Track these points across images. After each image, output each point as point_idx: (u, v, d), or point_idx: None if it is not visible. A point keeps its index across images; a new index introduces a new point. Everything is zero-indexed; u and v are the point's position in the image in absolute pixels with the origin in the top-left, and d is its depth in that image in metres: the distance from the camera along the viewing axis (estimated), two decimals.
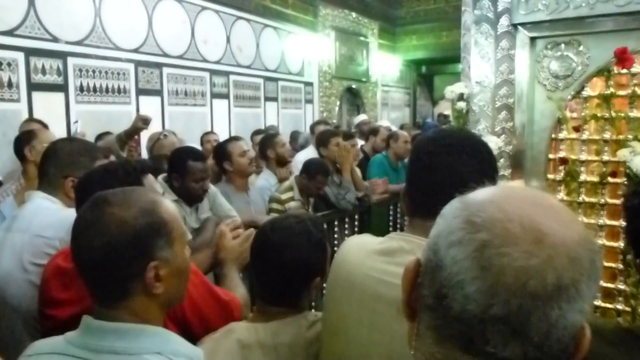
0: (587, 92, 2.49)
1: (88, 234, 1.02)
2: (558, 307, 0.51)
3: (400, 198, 1.21)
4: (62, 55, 4.51)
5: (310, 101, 8.13)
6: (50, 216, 1.78)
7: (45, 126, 3.37)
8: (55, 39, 4.44)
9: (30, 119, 3.61)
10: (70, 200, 1.82)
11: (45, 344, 1.09)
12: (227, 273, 1.77)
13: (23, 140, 2.62)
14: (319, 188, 3.71)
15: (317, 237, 1.41)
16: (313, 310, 1.56)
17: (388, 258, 1.10)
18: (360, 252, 1.18)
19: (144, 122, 3.56)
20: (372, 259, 1.13)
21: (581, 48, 2.47)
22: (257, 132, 5.33)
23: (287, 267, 1.36)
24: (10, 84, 4.11)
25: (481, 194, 0.59)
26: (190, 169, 2.72)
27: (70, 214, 1.76)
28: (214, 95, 6.23)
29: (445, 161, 1.10)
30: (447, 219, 0.59)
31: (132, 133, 3.70)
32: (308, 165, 3.70)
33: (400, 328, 1.02)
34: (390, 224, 4.79)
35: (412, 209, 1.17)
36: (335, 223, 3.96)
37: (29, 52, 4.25)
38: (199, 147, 4.97)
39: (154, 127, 5.06)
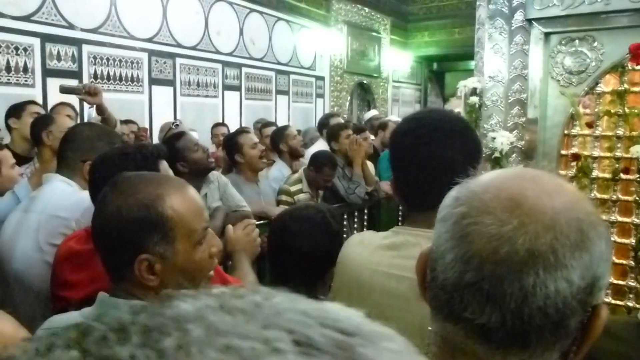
0: (601, 88, 2.49)
1: (96, 214, 1.06)
2: (535, 274, 0.51)
3: (393, 193, 1.21)
4: (77, 42, 4.54)
5: (321, 95, 8.13)
6: (67, 197, 1.81)
7: (76, 113, 3.40)
8: (71, 26, 4.48)
9: (64, 102, 3.59)
10: (87, 183, 1.85)
11: (62, 318, 1.12)
12: (237, 264, 1.79)
13: (41, 125, 2.65)
14: (327, 180, 3.71)
15: (336, 228, 1.42)
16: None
17: (394, 252, 1.11)
18: (364, 249, 1.18)
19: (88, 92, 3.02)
20: (378, 255, 1.13)
21: (595, 44, 2.47)
22: (265, 125, 5.34)
23: (306, 257, 1.36)
24: (25, 69, 4.15)
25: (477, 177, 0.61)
26: (182, 146, 2.73)
27: (87, 196, 1.79)
28: (226, 87, 6.25)
29: (426, 152, 1.08)
30: (443, 201, 0.61)
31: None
32: (315, 158, 3.71)
33: (411, 319, 1.04)
34: (400, 218, 4.79)
35: (407, 203, 1.17)
36: (345, 217, 3.98)
37: (45, 38, 4.29)
38: (209, 139, 5.04)
39: (166, 117, 5.11)
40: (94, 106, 2.82)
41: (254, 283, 1.69)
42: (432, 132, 1.09)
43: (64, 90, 2.96)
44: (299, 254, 1.37)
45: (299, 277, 1.38)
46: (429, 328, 0.60)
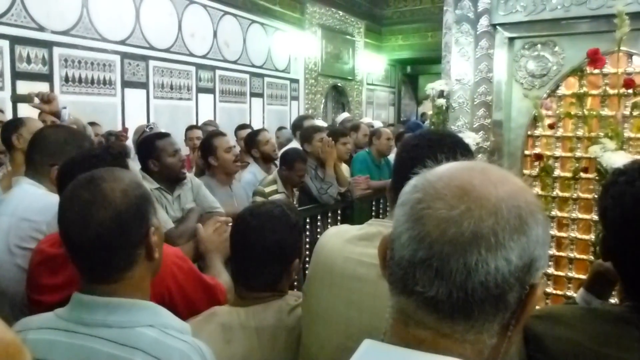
0: (562, 91, 2.58)
1: (91, 211, 1.04)
2: (478, 253, 0.58)
3: (387, 191, 1.28)
4: (48, 45, 4.51)
5: (295, 98, 8.18)
6: (37, 201, 1.81)
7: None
8: (41, 28, 4.44)
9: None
10: (56, 187, 1.85)
11: (34, 320, 1.12)
12: (210, 263, 1.83)
13: (11, 128, 2.63)
14: (301, 176, 3.75)
15: (294, 220, 1.47)
16: (295, 290, 1.61)
17: (367, 242, 1.17)
18: (339, 239, 1.25)
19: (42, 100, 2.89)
20: (352, 244, 1.20)
21: (556, 48, 2.56)
22: (241, 127, 5.36)
23: (267, 250, 1.41)
24: None
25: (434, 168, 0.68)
26: (161, 146, 2.74)
27: (57, 199, 1.79)
28: (200, 90, 6.26)
29: (427, 154, 1.16)
30: (403, 189, 0.67)
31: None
32: (285, 156, 3.78)
33: (379, 305, 1.09)
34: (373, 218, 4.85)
35: (394, 196, 1.24)
36: (318, 217, 4.02)
37: (14, 41, 4.25)
38: (182, 142, 5.03)
39: (139, 120, 5.09)
40: (67, 107, 2.77)
41: (228, 282, 1.72)
42: (438, 140, 1.20)
43: (16, 99, 2.84)
44: (261, 248, 1.42)
45: (263, 271, 1.43)
46: (388, 303, 0.66)
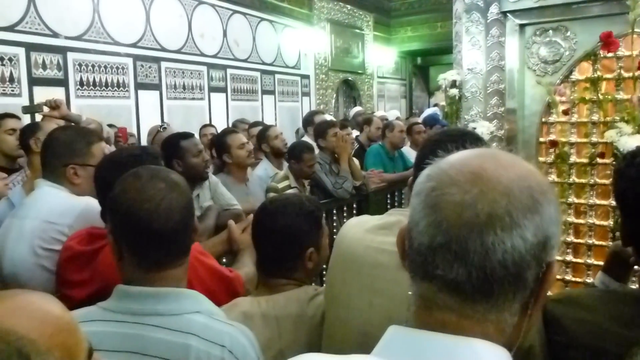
0: (575, 76, 2.57)
1: (172, 199, 1.13)
2: (494, 233, 0.60)
3: (408, 185, 1.31)
4: (62, 50, 4.57)
5: (306, 94, 8.19)
6: (59, 203, 1.84)
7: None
8: (55, 34, 4.51)
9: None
10: (74, 186, 1.89)
11: (76, 314, 1.14)
12: (240, 258, 1.90)
13: (28, 132, 2.68)
14: (311, 166, 3.77)
15: (310, 208, 1.50)
16: (313, 284, 1.64)
17: (387, 231, 1.21)
18: (360, 229, 1.28)
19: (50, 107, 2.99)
20: (372, 233, 1.24)
21: (568, 34, 2.55)
22: (253, 125, 5.39)
23: (279, 233, 1.46)
24: (12, 79, 4.18)
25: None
26: (185, 146, 2.78)
27: (78, 202, 1.84)
28: (212, 89, 6.30)
29: (449, 147, 1.19)
30: (417, 179, 0.70)
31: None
32: (292, 149, 3.84)
33: (399, 291, 1.11)
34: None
35: None
36: (334, 212, 4.04)
37: (30, 48, 4.32)
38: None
39: (153, 121, 5.14)
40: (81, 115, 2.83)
41: (249, 274, 1.76)
42: (460, 136, 1.23)
43: (27, 110, 2.95)
44: (273, 232, 1.47)
45: (277, 257, 1.47)
46: (409, 293, 0.68)
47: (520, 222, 0.60)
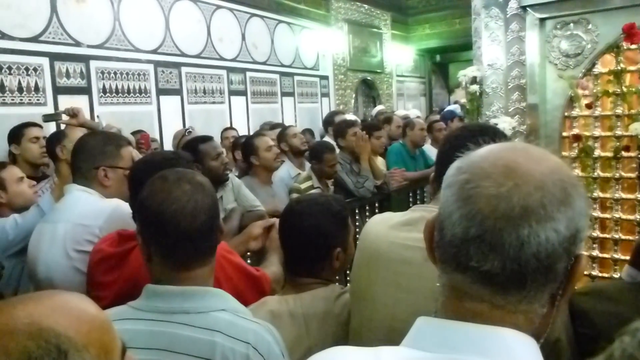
0: (598, 69, 2.54)
1: (198, 200, 1.16)
2: (529, 225, 0.61)
3: (430, 181, 1.32)
4: (85, 59, 4.65)
5: (326, 95, 8.20)
6: (90, 206, 1.89)
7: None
8: (77, 44, 4.59)
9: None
10: (105, 188, 1.94)
11: (108, 313, 1.19)
12: (269, 257, 1.93)
13: (54, 140, 2.75)
14: (332, 166, 3.79)
15: (337, 209, 1.51)
16: (339, 285, 1.66)
17: (411, 227, 1.22)
18: (384, 225, 1.30)
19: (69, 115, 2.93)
20: (396, 230, 1.25)
21: (590, 26, 2.52)
22: (273, 127, 5.43)
23: (305, 233, 1.47)
24: (37, 88, 4.27)
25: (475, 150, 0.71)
26: (204, 150, 2.82)
27: (109, 203, 1.89)
28: (232, 92, 6.34)
29: (470, 142, 1.20)
30: (447, 172, 0.71)
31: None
32: (312, 150, 3.89)
33: (424, 286, 1.13)
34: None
35: (438, 185, 1.27)
36: (356, 211, 4.05)
37: (53, 57, 4.40)
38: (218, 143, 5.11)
39: (175, 126, 5.21)
40: (99, 117, 2.88)
41: (276, 273, 1.78)
42: (480, 131, 1.24)
43: (47, 119, 3.05)
44: (301, 232, 1.49)
45: (304, 257, 1.48)
46: (437, 284, 0.70)
47: (554, 215, 0.61)
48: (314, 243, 1.48)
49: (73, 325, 0.60)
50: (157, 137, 5.22)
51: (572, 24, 2.57)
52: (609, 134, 2.53)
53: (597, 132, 2.56)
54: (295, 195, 3.67)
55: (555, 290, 0.65)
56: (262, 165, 3.49)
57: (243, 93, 6.53)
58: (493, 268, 0.62)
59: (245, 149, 3.60)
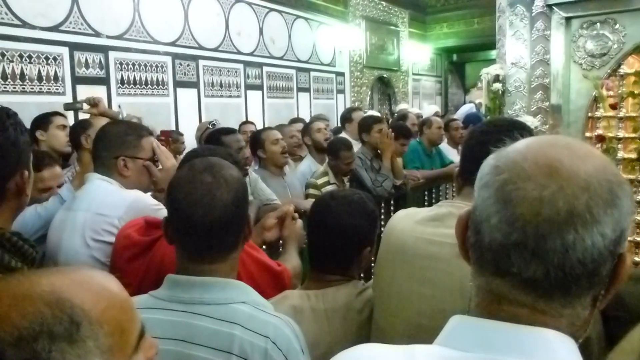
0: (624, 69, 2.50)
1: (217, 193, 1.14)
2: (574, 231, 0.57)
3: (455, 177, 1.30)
4: (104, 50, 4.68)
5: (341, 91, 8.18)
6: (110, 196, 1.89)
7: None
8: (97, 34, 4.61)
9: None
10: (124, 178, 1.93)
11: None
12: (287, 248, 1.91)
13: (79, 129, 2.76)
14: (348, 163, 3.76)
15: (371, 208, 1.50)
16: (362, 281, 1.64)
17: (438, 222, 1.21)
18: (409, 220, 1.28)
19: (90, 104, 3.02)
20: (422, 225, 1.24)
21: (617, 26, 2.48)
22: (294, 121, 5.42)
23: (342, 232, 1.44)
24: (56, 78, 4.30)
25: (510, 146, 0.67)
26: (226, 142, 2.81)
27: (128, 194, 1.88)
28: (248, 87, 6.35)
29: (496, 137, 1.18)
30: (482, 170, 0.67)
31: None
32: (330, 146, 3.83)
33: (451, 282, 1.11)
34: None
35: (464, 180, 1.25)
36: None
37: (73, 47, 4.43)
38: None
39: (192, 119, 5.24)
40: (120, 106, 2.90)
41: (296, 267, 1.77)
42: (506, 126, 1.22)
43: (68, 107, 3.08)
44: (337, 230, 1.45)
45: (336, 254, 1.46)
46: (470, 283, 0.67)
47: (600, 219, 0.58)
48: (348, 242, 1.45)
49: (91, 300, 0.62)
50: (174, 129, 5.23)
51: (598, 24, 2.54)
52: (633, 135, 2.49)
53: (621, 134, 2.52)
54: (312, 191, 3.65)
55: (598, 292, 0.63)
56: (269, 159, 3.48)
57: (259, 87, 6.54)
58: (536, 275, 0.59)
59: (252, 142, 3.59)
